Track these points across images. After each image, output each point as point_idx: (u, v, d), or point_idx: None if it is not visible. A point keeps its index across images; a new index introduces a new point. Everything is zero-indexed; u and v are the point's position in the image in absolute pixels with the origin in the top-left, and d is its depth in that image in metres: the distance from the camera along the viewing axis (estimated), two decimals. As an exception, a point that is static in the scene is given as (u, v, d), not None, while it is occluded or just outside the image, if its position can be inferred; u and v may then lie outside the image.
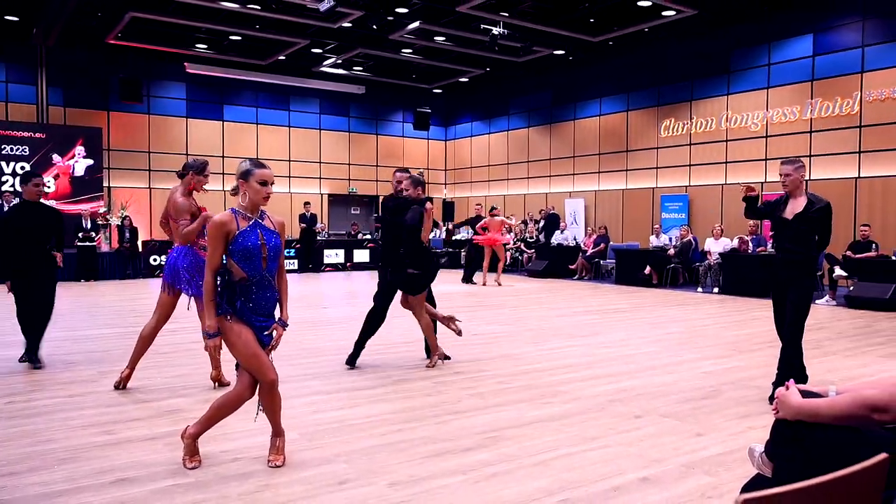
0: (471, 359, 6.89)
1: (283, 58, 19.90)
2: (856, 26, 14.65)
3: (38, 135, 18.37)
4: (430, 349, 6.65)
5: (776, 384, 5.30)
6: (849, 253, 12.47)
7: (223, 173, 21.37)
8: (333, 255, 19.99)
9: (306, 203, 20.08)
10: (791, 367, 5.30)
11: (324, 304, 11.55)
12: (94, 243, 16.58)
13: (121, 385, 5.53)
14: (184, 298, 5.64)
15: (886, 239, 13.60)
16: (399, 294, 6.61)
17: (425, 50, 19.29)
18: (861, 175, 14.58)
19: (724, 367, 6.64)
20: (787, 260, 5.41)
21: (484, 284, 15.01)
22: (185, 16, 16.17)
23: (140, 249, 17.43)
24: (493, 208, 16.37)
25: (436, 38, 17.94)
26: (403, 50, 19.30)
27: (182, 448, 3.85)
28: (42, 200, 6.62)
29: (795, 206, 5.42)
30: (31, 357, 6.48)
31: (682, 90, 18.01)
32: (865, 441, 2.04)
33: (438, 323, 6.78)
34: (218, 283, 3.65)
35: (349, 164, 24.36)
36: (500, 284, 15.06)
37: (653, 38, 17.65)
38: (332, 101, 23.77)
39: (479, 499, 3.36)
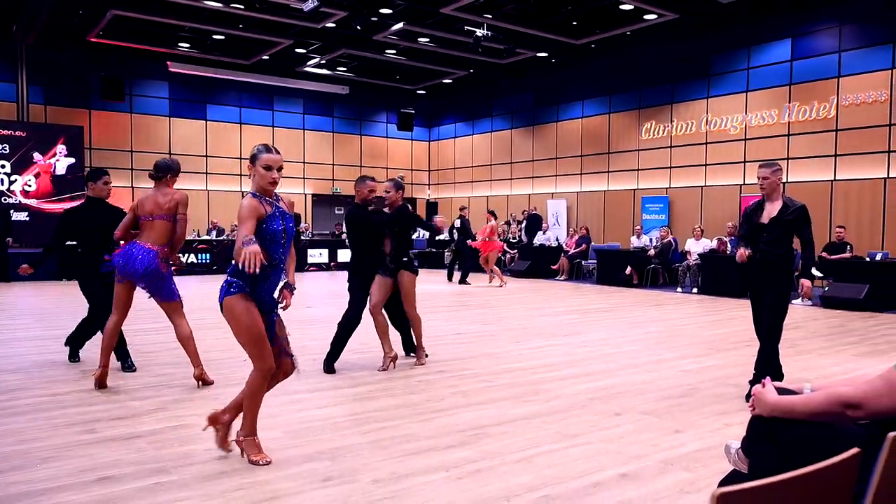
0: (454, 358, 6.95)
1: (267, 57, 19.84)
2: (833, 32, 14.88)
3: (18, 133, 18.21)
4: (416, 346, 6.74)
5: (753, 383, 5.39)
6: (824, 254, 12.69)
7: (206, 173, 21.32)
8: (318, 255, 19.95)
9: (290, 203, 19.96)
10: (768, 366, 5.37)
11: (308, 304, 11.54)
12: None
13: (97, 385, 5.52)
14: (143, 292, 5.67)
15: (861, 241, 13.86)
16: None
17: (409, 51, 19.31)
18: (837, 178, 14.81)
19: (702, 365, 6.73)
20: (764, 262, 5.47)
21: (502, 285, 15.01)
22: (167, 14, 16.07)
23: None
24: (490, 212, 16.49)
25: (420, 39, 17.98)
26: (387, 51, 19.31)
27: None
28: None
29: (771, 210, 5.49)
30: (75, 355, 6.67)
31: (663, 93, 18.17)
32: (839, 437, 2.10)
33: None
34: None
35: (333, 165, 24.33)
36: (500, 284, 15.08)
37: (634, 42, 17.80)
38: (316, 101, 23.72)
39: (462, 495, 3.41)
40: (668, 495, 3.44)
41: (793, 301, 12.41)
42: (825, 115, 14.94)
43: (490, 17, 15.84)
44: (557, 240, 18.94)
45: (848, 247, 12.64)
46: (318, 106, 23.91)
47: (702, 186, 17.26)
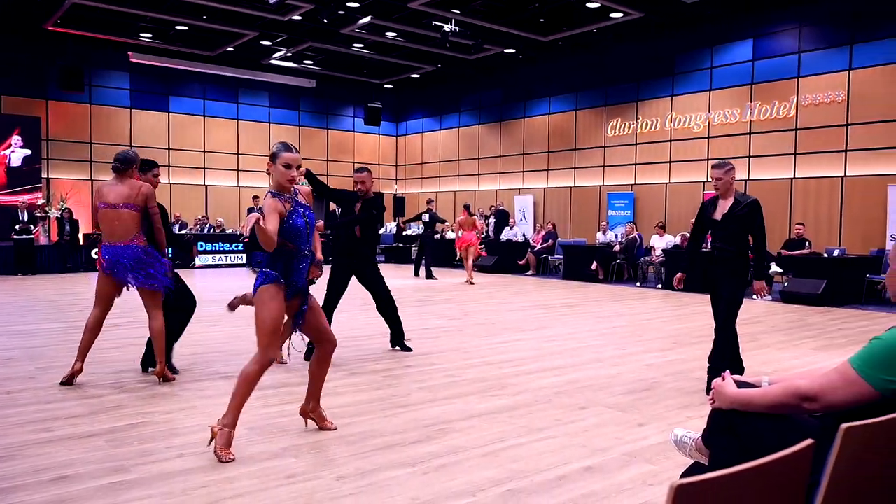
0: (421, 353, 6.94)
1: (232, 49, 19.53)
2: (793, 33, 15.15)
3: (-29, 123, 17.76)
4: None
5: (710, 376, 5.48)
6: (783, 251, 12.93)
7: (168, 166, 20.97)
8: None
9: (255, 197, 19.77)
10: (723, 359, 5.43)
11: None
12: (32, 236, 16.10)
13: (70, 380, 5.39)
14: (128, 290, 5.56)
15: (819, 237, 14.14)
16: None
17: (377, 45, 19.20)
18: (796, 176, 15.08)
19: (666, 359, 6.82)
20: (719, 258, 5.54)
21: (471, 283, 14.90)
22: (128, 3, 15.71)
23: (81, 242, 16.99)
24: (465, 206, 16.38)
25: (387, 33, 17.88)
26: (354, 44, 19.18)
27: (306, 422, 4.31)
28: None
29: (724, 206, 5.55)
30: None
31: (629, 91, 18.34)
32: (795, 428, 2.14)
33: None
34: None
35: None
36: (472, 283, 14.97)
37: (601, 40, 17.93)
38: (282, 94, 23.50)
39: (427, 490, 3.40)
40: (632, 487, 3.47)
41: (753, 297, 12.66)
42: (785, 115, 15.20)
43: (458, 12, 15.82)
44: (524, 235, 19.04)
45: (807, 243, 12.90)
46: (284, 99, 23.68)
47: (666, 183, 17.46)
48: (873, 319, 10.08)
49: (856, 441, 1.60)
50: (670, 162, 17.38)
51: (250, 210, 19.08)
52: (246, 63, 21.07)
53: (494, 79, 22.13)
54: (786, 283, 12.56)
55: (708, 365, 5.62)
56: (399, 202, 23.63)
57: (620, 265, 15.72)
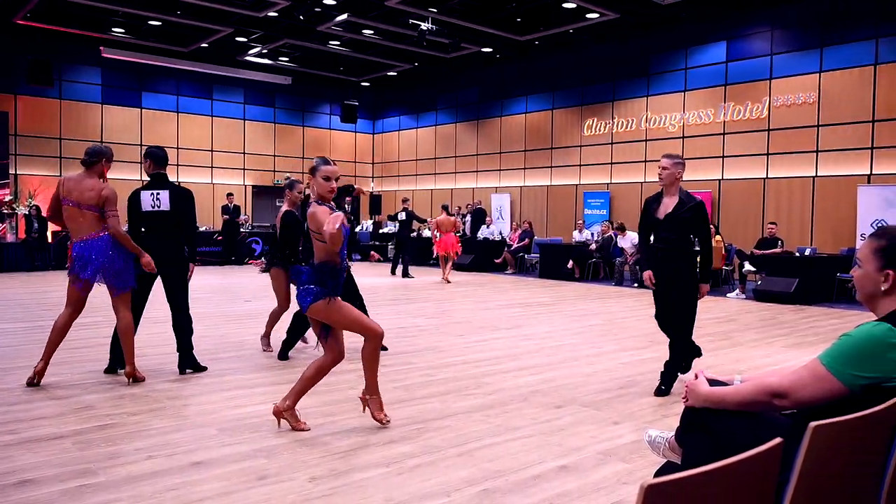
0: (397, 352, 6.90)
1: (206, 45, 19.33)
2: (765, 35, 15.33)
3: (-65, 117, 17.39)
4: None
5: (664, 382, 5.38)
6: (756, 250, 13.07)
7: (141, 163, 20.60)
8: (258, 248, 19.66)
9: (229, 194, 19.60)
10: (677, 366, 5.40)
11: (246, 298, 11.33)
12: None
13: (35, 380, 5.27)
14: (97, 289, 5.44)
15: (791, 236, 14.31)
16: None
17: (353, 42, 19.11)
18: (769, 176, 15.26)
19: (641, 358, 6.84)
20: (665, 257, 5.39)
21: (447, 281, 14.86)
22: (100, -2, 15.51)
23: (49, 240, 16.71)
24: (444, 206, 16.33)
25: (364, 31, 17.81)
26: (331, 42, 19.07)
27: (279, 423, 4.31)
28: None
29: (668, 205, 5.38)
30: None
31: (605, 91, 18.43)
32: (766, 426, 2.16)
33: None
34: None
35: (274, 156, 23.96)
36: (448, 281, 14.94)
37: (577, 40, 18.00)
38: (258, 91, 23.31)
39: (402, 490, 3.37)
40: (607, 486, 3.47)
41: (727, 295, 12.77)
42: (758, 116, 15.37)
43: (435, 10, 15.79)
44: (501, 234, 19.06)
45: (779, 242, 13.03)
46: (259, 96, 23.49)
47: (642, 182, 17.56)
48: (843, 317, 10.22)
49: (824, 439, 1.62)
50: (646, 161, 17.49)
51: (224, 208, 18.93)
52: (221, 59, 20.84)
53: (471, 78, 22.13)
54: (759, 282, 12.70)
55: (662, 371, 5.49)
56: (375, 200, 23.55)
57: (596, 264, 15.79)
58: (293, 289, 6.44)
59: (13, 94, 19.04)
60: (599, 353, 7.09)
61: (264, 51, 19.98)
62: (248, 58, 20.67)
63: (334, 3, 15.64)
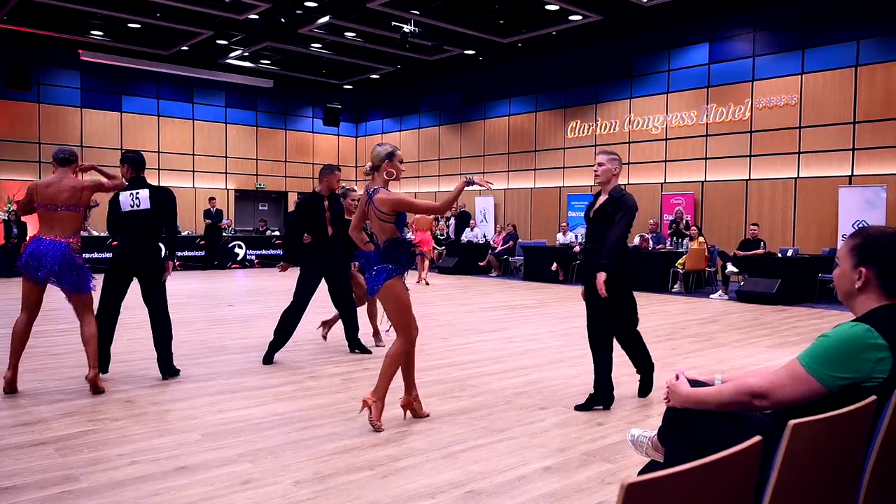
0: (381, 355, 6.86)
1: (187, 48, 19.20)
2: (748, 37, 15.44)
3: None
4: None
5: (595, 392, 5.03)
6: (738, 251, 13.14)
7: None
8: (241, 252, 19.55)
9: (211, 198, 19.50)
10: (603, 375, 5.03)
11: (229, 303, 11.27)
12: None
13: (7, 389, 5.19)
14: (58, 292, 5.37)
15: (773, 238, 14.43)
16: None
17: (335, 45, 19.07)
18: (751, 177, 15.37)
19: (625, 358, 6.83)
20: (590, 258, 5.06)
21: (426, 283, 14.84)
22: (79, 0, 15.35)
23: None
24: None
25: (346, 33, 17.77)
26: (313, 44, 19.01)
27: (372, 413, 4.37)
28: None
29: (598, 203, 5.13)
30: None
31: (588, 93, 18.51)
32: (747, 425, 2.18)
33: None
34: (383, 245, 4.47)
35: (257, 160, 23.85)
36: (427, 283, 14.92)
37: (560, 42, 18.06)
38: (239, 94, 23.19)
39: (386, 493, 3.36)
40: (590, 486, 3.48)
41: (710, 296, 12.84)
42: (740, 117, 15.49)
43: (417, 13, 15.79)
44: (485, 236, 19.08)
45: (761, 243, 13.13)
46: (240, 99, 23.38)
47: (625, 184, 17.61)
48: (825, 318, 10.31)
49: (803, 437, 1.63)
50: (629, 163, 17.56)
51: (207, 212, 18.79)
52: (201, 62, 20.71)
53: (454, 80, 22.15)
54: (741, 283, 12.78)
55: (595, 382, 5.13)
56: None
57: (580, 266, 15.81)
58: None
59: (-9, 98, 18.83)
60: (583, 354, 7.06)
61: (245, 53, 19.87)
62: (229, 61, 20.54)
63: (316, 5, 15.60)
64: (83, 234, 17.43)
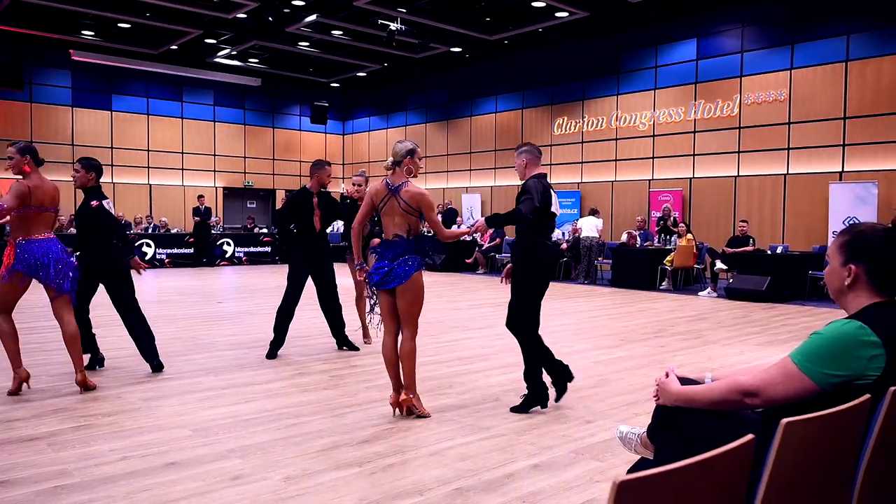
0: (368, 352, 6.89)
1: (176, 47, 19.19)
2: (735, 33, 15.47)
3: None
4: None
5: (529, 392, 4.90)
6: (727, 248, 13.17)
7: (112, 165, 20.54)
8: (229, 250, 19.50)
9: (200, 196, 19.45)
10: (532, 376, 4.90)
11: (218, 300, 11.25)
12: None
13: (21, 389, 5.14)
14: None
15: (762, 234, 14.45)
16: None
17: (323, 43, 19.05)
18: (740, 174, 15.42)
19: (613, 356, 6.90)
20: (514, 249, 5.07)
21: None
22: (70, 1, 15.36)
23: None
24: None
25: (333, 31, 17.75)
26: (300, 43, 18.99)
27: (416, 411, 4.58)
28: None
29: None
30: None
31: (575, 90, 18.54)
32: (737, 424, 2.16)
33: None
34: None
35: (245, 158, 23.81)
36: None
37: (547, 39, 18.09)
38: (227, 92, 23.16)
39: (375, 490, 3.38)
40: (579, 484, 3.50)
41: (699, 294, 12.87)
42: (729, 114, 15.51)
43: (404, 10, 15.78)
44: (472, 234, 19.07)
45: (751, 240, 13.12)
46: (229, 98, 23.34)
47: (612, 181, 17.71)
48: (816, 315, 10.32)
49: (795, 435, 1.62)
50: (616, 160, 17.64)
51: (196, 210, 18.75)
52: (190, 61, 20.70)
53: (441, 77, 22.15)
54: (730, 280, 12.75)
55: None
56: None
57: (568, 263, 15.86)
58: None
59: (-19, 97, 18.81)
60: (571, 351, 7.12)
61: (234, 52, 19.83)
62: (217, 59, 20.51)
63: (303, 3, 15.58)
64: (72, 230, 17.55)
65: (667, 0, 15.20)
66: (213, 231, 19.30)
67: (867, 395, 1.88)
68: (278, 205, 18.30)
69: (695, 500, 1.42)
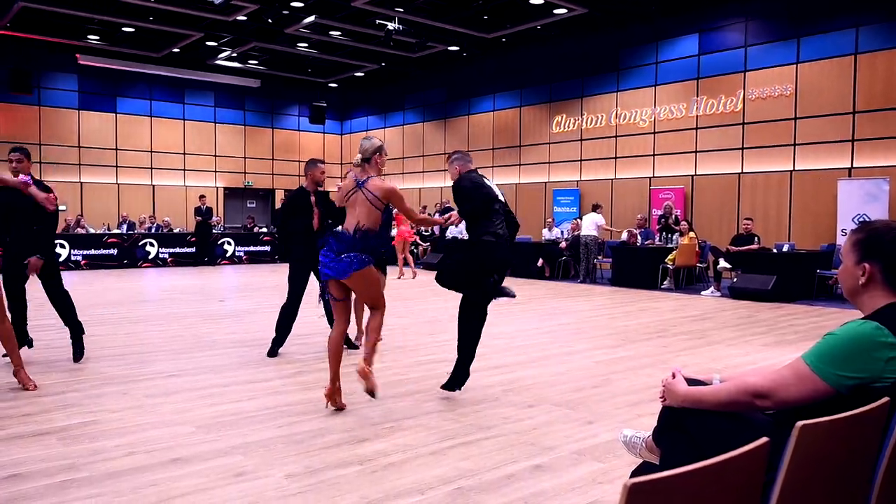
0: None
1: (178, 50, 19.38)
2: (739, 27, 15.24)
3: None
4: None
5: (455, 378, 5.17)
6: (731, 246, 12.85)
7: (116, 166, 20.76)
8: (230, 249, 19.56)
9: (202, 196, 19.54)
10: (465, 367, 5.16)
11: (220, 298, 11.26)
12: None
13: (31, 386, 5.19)
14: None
15: (768, 233, 14.16)
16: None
17: (321, 44, 19.09)
18: (744, 171, 15.21)
19: (614, 356, 6.87)
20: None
21: (401, 277, 14.91)
22: (77, 6, 15.64)
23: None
24: None
25: (331, 32, 17.79)
26: (299, 44, 19.05)
27: (364, 382, 4.58)
28: None
29: None
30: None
31: (573, 87, 18.49)
32: (746, 426, 2.12)
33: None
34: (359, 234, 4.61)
35: (245, 158, 23.88)
36: (399, 278, 15.00)
37: (545, 36, 18.06)
38: (228, 94, 23.27)
39: (376, 488, 3.39)
40: (581, 486, 3.47)
41: (702, 293, 12.75)
42: (732, 109, 15.28)
43: (401, 10, 15.78)
44: (471, 233, 19.05)
45: (755, 239, 12.78)
46: (229, 99, 23.42)
47: (612, 179, 17.66)
48: (824, 315, 10.06)
49: (811, 439, 1.59)
50: (616, 158, 17.59)
51: (197, 210, 18.82)
52: (191, 63, 20.86)
53: (439, 77, 22.14)
54: (734, 279, 12.43)
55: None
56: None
57: (567, 262, 15.80)
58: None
59: (-6, 102, 19.07)
60: (571, 351, 7.10)
61: (234, 54, 19.95)
62: (218, 62, 20.63)
63: (302, 5, 15.60)
64: (80, 230, 17.62)
65: (666, -3, 15.12)
66: (214, 231, 19.38)
67: (886, 399, 1.83)
68: (278, 204, 18.36)
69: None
